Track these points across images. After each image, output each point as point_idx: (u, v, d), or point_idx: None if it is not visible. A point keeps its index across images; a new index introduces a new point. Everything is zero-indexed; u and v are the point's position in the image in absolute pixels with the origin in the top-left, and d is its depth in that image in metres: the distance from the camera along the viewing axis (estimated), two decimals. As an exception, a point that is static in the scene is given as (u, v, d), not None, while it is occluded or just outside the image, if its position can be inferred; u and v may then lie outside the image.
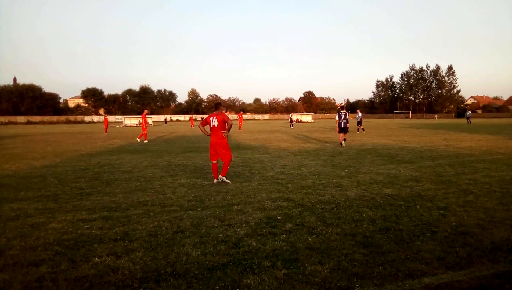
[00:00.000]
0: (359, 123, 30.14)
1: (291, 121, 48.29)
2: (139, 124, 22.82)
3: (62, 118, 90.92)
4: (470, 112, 58.98)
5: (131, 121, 63.64)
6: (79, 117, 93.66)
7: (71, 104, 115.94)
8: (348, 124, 18.19)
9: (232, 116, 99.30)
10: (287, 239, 4.83)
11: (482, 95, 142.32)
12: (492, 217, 5.66)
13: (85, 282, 3.67)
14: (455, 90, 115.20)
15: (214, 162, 8.94)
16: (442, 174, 9.45)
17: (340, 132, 18.26)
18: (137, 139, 23.12)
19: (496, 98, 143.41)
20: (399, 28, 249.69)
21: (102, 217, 5.92)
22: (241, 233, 5.07)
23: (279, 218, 5.79)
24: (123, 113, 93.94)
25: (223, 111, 9.53)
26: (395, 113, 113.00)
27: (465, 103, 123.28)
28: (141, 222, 5.63)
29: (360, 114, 30.50)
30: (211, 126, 8.85)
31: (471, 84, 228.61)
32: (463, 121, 63.78)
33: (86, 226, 5.46)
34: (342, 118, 18.11)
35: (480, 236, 4.83)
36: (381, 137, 24.70)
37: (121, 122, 65.67)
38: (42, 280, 3.72)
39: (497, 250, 4.37)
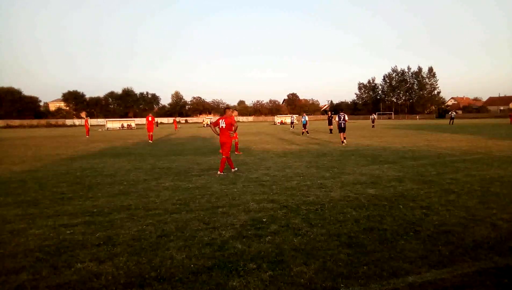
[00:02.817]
0: (304, 126, 30.61)
1: (292, 123, 46.69)
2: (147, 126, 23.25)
3: (43, 121, 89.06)
4: (455, 113, 59.82)
5: (114, 124, 62.77)
6: (60, 121, 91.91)
7: (52, 107, 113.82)
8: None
9: (216, 118, 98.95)
10: (272, 240, 4.83)
11: (462, 96, 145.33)
12: (473, 216, 5.77)
13: (67, 289, 3.60)
14: (436, 92, 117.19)
15: (226, 156, 10.55)
16: (424, 174, 9.59)
17: (340, 131, 20.20)
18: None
19: (476, 99, 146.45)
20: (382, 31, 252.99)
21: (84, 222, 5.83)
22: (226, 236, 5.04)
23: (264, 220, 5.78)
24: (105, 116, 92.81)
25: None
26: (378, 114, 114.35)
27: (445, 104, 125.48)
28: (124, 227, 5.55)
29: (306, 117, 30.97)
30: (220, 127, 10.56)
31: (451, 86, 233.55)
32: (444, 121, 65.02)
33: (68, 231, 5.36)
34: (342, 119, 20.05)
35: (462, 235, 4.92)
36: (364, 138, 24.96)
37: (103, 125, 64.79)
38: (22, 288, 3.64)
39: (478, 248, 4.45)
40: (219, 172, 10.33)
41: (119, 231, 5.33)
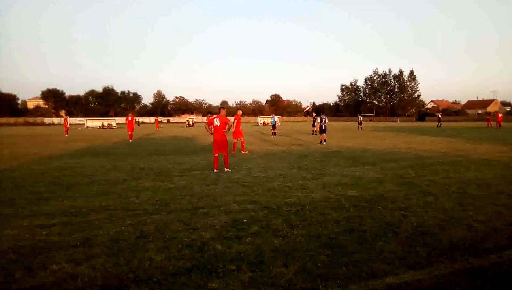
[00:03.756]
0: (274, 127, 30.65)
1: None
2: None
3: (21, 119, 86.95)
4: (440, 115, 60.35)
5: (94, 123, 61.79)
6: (38, 119, 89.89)
7: (30, 105, 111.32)
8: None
9: (199, 118, 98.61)
10: (253, 242, 4.81)
11: (441, 99, 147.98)
12: (451, 217, 5.87)
13: (41, 291, 3.51)
14: (416, 95, 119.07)
15: (216, 155, 11.05)
16: (403, 176, 9.73)
17: (321, 133, 21.37)
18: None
19: (454, 102, 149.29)
20: (365, 33, 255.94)
21: (62, 223, 5.71)
22: (207, 237, 5.01)
23: (245, 221, 5.77)
24: (85, 115, 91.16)
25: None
26: (358, 115, 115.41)
27: (425, 107, 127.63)
28: (102, 227, 5.46)
29: (276, 118, 31.15)
30: (215, 126, 11.00)
31: (431, 89, 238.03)
32: (424, 124, 66.17)
33: (44, 232, 5.24)
34: (323, 121, 21.27)
35: (439, 236, 5.00)
36: (346, 139, 25.20)
37: (83, 124, 63.67)
38: (-5, 290, 3.53)
39: (455, 249, 4.53)
40: (226, 169, 11.03)
41: (97, 232, 5.24)
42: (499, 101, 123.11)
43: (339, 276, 3.79)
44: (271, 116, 30.87)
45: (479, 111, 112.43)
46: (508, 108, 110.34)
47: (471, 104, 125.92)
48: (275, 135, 30.04)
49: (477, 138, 25.11)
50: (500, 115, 48.57)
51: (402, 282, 3.67)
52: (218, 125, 10.98)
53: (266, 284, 3.63)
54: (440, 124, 51.90)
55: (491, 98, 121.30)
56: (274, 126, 30.59)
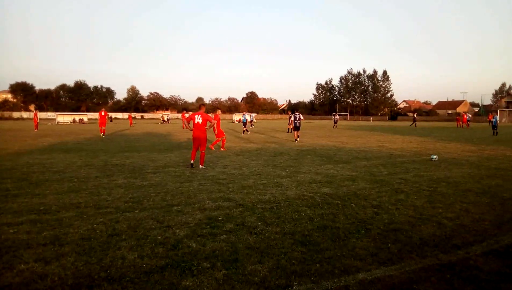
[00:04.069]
0: (245, 124, 30.88)
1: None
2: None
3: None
4: (416, 115, 61.55)
5: (65, 118, 60.11)
6: (6, 113, 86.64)
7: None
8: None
9: (175, 115, 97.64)
10: (227, 239, 4.81)
11: (413, 100, 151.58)
12: (421, 215, 6.03)
13: (8, 291, 3.40)
14: (389, 94, 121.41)
15: (196, 149, 11.14)
16: (376, 174, 9.93)
17: (295, 130, 21.98)
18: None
19: (426, 103, 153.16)
20: (338, 33, 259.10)
21: (30, 221, 5.54)
22: (181, 235, 4.97)
23: (219, 218, 5.75)
24: (56, 110, 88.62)
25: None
26: (334, 114, 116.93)
27: (398, 106, 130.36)
28: (73, 225, 5.33)
29: (247, 116, 31.35)
30: (195, 122, 11.02)
31: (403, 89, 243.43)
32: (396, 123, 67.63)
33: (12, 231, 5.08)
34: (297, 119, 21.81)
35: (410, 233, 5.13)
36: (321, 138, 25.48)
37: (54, 119, 61.87)
38: (-42, 291, 3.40)
39: (424, 245, 4.66)
40: (201, 166, 10.95)
41: (67, 230, 5.11)
42: (468, 102, 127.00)
43: (312, 273, 3.83)
44: (242, 113, 30.87)
45: (449, 112, 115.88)
46: (476, 109, 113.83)
47: (441, 105, 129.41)
48: (247, 132, 30.09)
49: (447, 138, 25.86)
50: (465, 117, 50.06)
51: (374, 278, 3.75)
52: (200, 122, 11.01)
53: (240, 281, 3.64)
54: (415, 123, 53.02)
55: (461, 99, 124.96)
56: (245, 124, 30.60)
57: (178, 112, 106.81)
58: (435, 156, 13.24)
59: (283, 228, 5.28)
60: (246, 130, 30.27)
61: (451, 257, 4.31)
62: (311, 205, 6.59)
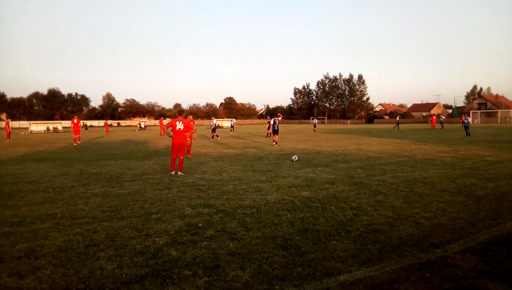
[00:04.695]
0: (214, 130, 30.77)
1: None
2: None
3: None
4: (399, 118, 62.60)
5: (38, 127, 58.62)
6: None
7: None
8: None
9: (151, 122, 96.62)
10: (208, 246, 4.76)
11: (389, 103, 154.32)
12: (399, 215, 6.13)
13: (-20, 308, 3.27)
14: (365, 98, 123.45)
15: (175, 158, 10.86)
16: (354, 176, 10.04)
17: (274, 134, 22.70)
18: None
19: (401, 106, 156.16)
20: (315, 37, 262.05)
21: (3, 233, 5.36)
22: (160, 243, 4.89)
23: (200, 225, 5.70)
24: (28, 118, 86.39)
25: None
26: (312, 118, 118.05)
27: (374, 110, 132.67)
28: (49, 237, 5.18)
29: (215, 121, 31.44)
30: (177, 129, 10.89)
31: (379, 92, 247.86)
32: (373, 126, 68.70)
33: (-17, 244, 4.89)
34: (277, 124, 22.49)
35: (389, 233, 5.20)
36: (299, 142, 25.64)
37: (27, 128, 60.30)
38: None
39: (404, 245, 4.72)
40: (179, 172, 10.79)
41: (43, 242, 4.96)
42: (442, 104, 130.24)
43: (294, 276, 3.83)
44: (211, 119, 30.61)
45: (424, 114, 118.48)
46: (450, 111, 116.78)
47: (416, 107, 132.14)
48: (218, 137, 29.96)
49: (422, 139, 26.42)
50: (434, 118, 51.54)
51: (355, 279, 3.77)
52: (181, 129, 10.96)
53: (222, 288, 3.60)
54: (398, 126, 54.08)
55: (435, 101, 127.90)
56: (214, 129, 30.47)
57: (156, 118, 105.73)
58: (295, 157, 13.99)
59: (264, 233, 5.27)
60: (216, 135, 30.17)
61: (430, 255, 4.38)
62: (291, 209, 6.60)
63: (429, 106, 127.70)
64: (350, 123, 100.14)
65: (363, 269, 4.02)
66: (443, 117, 58.29)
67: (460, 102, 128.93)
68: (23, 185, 9.25)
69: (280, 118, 23.26)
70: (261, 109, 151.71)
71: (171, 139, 11.11)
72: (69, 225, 5.74)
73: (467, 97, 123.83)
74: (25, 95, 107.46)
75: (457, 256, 4.34)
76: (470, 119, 32.89)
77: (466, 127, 30.67)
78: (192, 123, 14.36)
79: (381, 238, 5.00)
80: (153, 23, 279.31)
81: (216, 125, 31.52)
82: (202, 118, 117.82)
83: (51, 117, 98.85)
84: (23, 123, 78.54)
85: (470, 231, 5.32)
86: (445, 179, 9.54)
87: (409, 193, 7.89)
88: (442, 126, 51.94)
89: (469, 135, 29.61)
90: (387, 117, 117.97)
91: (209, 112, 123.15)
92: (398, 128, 52.59)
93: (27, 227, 5.66)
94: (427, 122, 70.74)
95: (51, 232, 5.42)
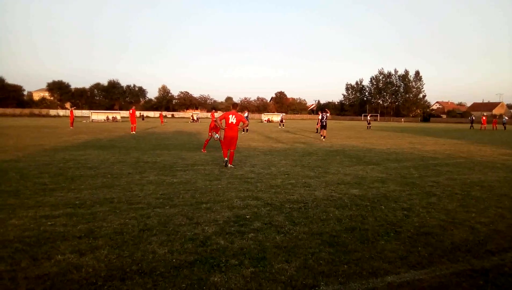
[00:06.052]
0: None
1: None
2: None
3: (26, 111, 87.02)
4: (473, 117, 59.14)
5: (99, 116, 61.86)
6: (44, 111, 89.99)
7: (36, 96, 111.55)
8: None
9: (204, 114, 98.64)
10: (255, 237, 4.85)
11: (447, 101, 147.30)
12: (453, 219, 5.88)
13: (46, 280, 3.56)
14: (421, 95, 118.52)
15: (226, 149, 11.04)
16: (406, 176, 9.74)
17: (322, 128, 23.68)
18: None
19: (460, 104, 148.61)
20: (373, 32, 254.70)
21: (66, 214, 5.76)
22: (209, 232, 5.05)
23: (247, 217, 5.80)
24: (90, 108, 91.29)
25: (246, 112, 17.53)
26: (364, 115, 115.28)
27: (430, 108, 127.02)
28: (106, 220, 5.51)
29: (246, 114, 31.00)
30: (229, 122, 10.94)
31: (437, 90, 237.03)
32: (429, 125, 65.82)
33: (49, 223, 5.30)
34: (324, 119, 23.70)
35: (441, 237, 5.02)
36: (350, 139, 25.17)
37: (88, 116, 63.75)
38: (0, 279, 3.58)
39: (456, 250, 4.55)
40: (229, 165, 10.92)
41: (101, 224, 5.29)
42: (505, 104, 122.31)
43: (340, 274, 3.82)
44: (244, 112, 29.70)
45: (485, 114, 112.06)
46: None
47: (476, 106, 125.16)
48: (246, 131, 29.97)
49: (481, 141, 25.02)
50: (483, 118, 47.92)
51: (403, 281, 3.70)
52: (234, 122, 10.98)
53: (267, 279, 3.67)
54: (473, 126, 50.86)
55: (497, 100, 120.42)
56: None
57: (208, 111, 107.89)
58: (217, 136, 13.81)
59: (310, 228, 5.28)
60: (247, 129, 30.25)
61: (485, 263, 4.19)
62: (339, 206, 6.55)
63: (490, 106, 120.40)
64: (404, 121, 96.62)
65: (412, 271, 3.93)
66: (506, 118, 54.63)
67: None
68: (84, 170, 9.85)
69: (328, 114, 23.33)
70: (312, 104, 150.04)
71: (222, 132, 11.27)
72: (125, 210, 6.07)
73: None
74: (87, 86, 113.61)
75: (515, 265, 4.12)
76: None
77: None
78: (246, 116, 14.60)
79: (433, 241, 4.84)
80: (212, 22, 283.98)
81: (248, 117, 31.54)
82: (253, 112, 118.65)
83: (110, 107, 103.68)
84: (85, 112, 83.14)
85: (531, 239, 5.02)
86: (505, 183, 9.01)
87: (465, 196, 7.54)
88: (505, 127, 48.79)
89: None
90: (444, 116, 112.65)
91: (260, 106, 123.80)
92: (473, 128, 49.33)
93: (87, 209, 6.05)
94: (489, 122, 66.28)
95: (109, 215, 5.76)
